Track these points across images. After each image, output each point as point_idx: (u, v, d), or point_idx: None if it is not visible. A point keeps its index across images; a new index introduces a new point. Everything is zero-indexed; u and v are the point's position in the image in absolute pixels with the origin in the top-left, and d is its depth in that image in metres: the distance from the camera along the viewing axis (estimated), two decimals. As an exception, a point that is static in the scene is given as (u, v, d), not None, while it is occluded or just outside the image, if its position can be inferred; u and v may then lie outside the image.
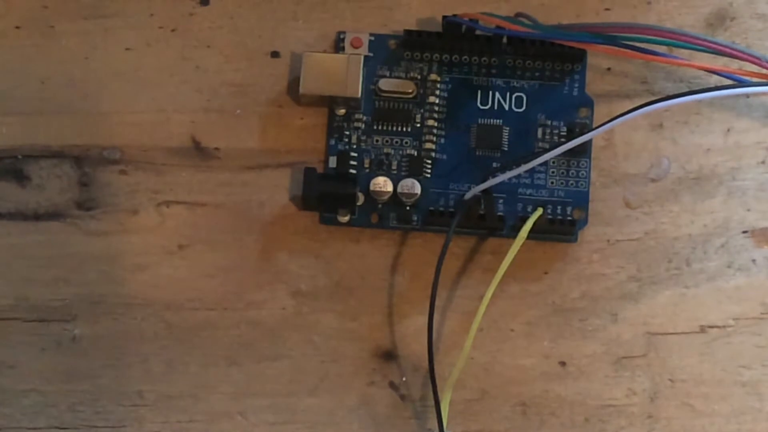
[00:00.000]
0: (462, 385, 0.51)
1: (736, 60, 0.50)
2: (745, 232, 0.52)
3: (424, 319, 0.51)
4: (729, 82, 0.50)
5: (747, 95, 0.53)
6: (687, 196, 0.53)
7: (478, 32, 0.52)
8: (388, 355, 0.52)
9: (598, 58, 0.53)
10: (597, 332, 0.52)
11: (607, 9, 0.54)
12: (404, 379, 0.51)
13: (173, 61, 0.54)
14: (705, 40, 0.49)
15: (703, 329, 0.52)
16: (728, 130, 0.53)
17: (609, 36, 0.50)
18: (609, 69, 0.53)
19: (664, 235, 0.52)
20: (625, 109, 0.48)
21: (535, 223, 0.50)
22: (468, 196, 0.51)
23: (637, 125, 0.53)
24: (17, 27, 0.54)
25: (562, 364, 0.51)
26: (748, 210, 0.52)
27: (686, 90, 0.53)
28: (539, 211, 0.51)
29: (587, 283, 0.52)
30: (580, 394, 0.51)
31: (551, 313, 0.52)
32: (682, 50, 0.51)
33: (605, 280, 0.52)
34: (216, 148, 0.53)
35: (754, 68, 0.50)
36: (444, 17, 0.52)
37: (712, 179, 0.53)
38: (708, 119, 0.53)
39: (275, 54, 0.54)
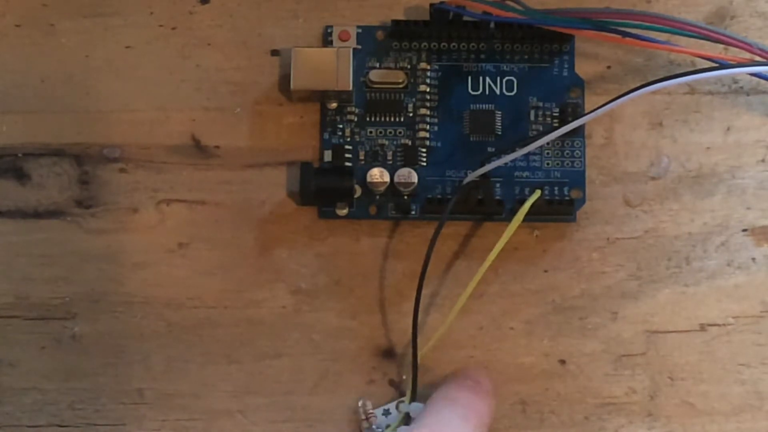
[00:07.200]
0: (462, 384, 0.51)
1: (728, 46, 0.50)
2: (744, 230, 0.52)
3: (424, 317, 0.51)
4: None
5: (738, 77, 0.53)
6: (687, 194, 0.53)
7: (465, 18, 0.52)
8: (388, 353, 0.52)
9: (599, 65, 0.53)
10: (597, 330, 0.52)
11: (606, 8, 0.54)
12: (404, 377, 0.51)
13: (173, 60, 0.54)
14: (696, 26, 0.49)
15: (702, 327, 0.52)
16: (728, 128, 0.53)
17: (597, 22, 0.50)
18: (609, 67, 0.54)
19: (664, 233, 0.52)
20: (623, 101, 0.48)
21: (534, 205, 0.50)
22: (466, 181, 0.51)
23: (637, 123, 0.53)
24: (17, 25, 0.54)
25: (562, 362, 0.51)
26: (748, 208, 0.52)
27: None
28: (537, 193, 0.51)
29: (587, 282, 0.52)
30: (579, 392, 0.51)
31: (551, 311, 0.52)
32: (675, 39, 0.51)
33: (605, 278, 0.52)
34: (216, 147, 0.53)
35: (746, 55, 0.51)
36: (431, 5, 0.52)
37: (711, 177, 0.53)
38: (708, 117, 0.53)
39: (275, 52, 0.54)
